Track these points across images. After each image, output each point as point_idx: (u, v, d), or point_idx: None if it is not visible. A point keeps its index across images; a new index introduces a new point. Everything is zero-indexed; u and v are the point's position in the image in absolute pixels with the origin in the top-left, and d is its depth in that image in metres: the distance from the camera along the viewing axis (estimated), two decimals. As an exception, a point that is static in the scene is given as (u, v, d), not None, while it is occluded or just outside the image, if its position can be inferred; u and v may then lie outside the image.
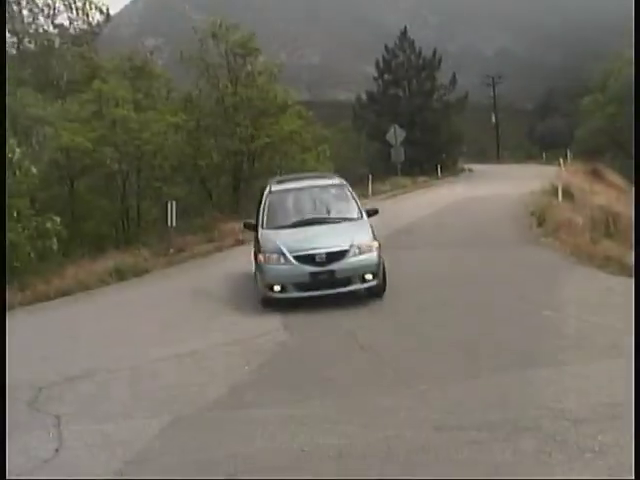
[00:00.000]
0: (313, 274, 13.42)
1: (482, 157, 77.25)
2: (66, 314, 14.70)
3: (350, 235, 13.91)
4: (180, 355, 10.56)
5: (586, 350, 9.91)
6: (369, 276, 13.64)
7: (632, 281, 14.40)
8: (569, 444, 6.91)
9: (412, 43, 64.30)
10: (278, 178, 18.23)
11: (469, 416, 7.79)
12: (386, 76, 64.19)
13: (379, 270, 13.77)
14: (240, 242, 22.44)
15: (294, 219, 14.64)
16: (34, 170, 20.39)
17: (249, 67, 37.78)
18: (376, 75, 64.95)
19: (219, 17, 36.99)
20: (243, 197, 36.45)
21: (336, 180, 16.30)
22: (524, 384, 8.62)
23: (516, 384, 8.63)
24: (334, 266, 13.44)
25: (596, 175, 44.33)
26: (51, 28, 41.83)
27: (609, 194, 35.92)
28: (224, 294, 15.05)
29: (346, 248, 13.57)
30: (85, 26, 42.27)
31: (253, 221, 15.10)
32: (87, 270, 18.43)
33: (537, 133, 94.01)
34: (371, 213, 15.14)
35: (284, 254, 13.50)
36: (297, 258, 13.46)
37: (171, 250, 21.31)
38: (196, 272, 18.77)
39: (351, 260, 13.55)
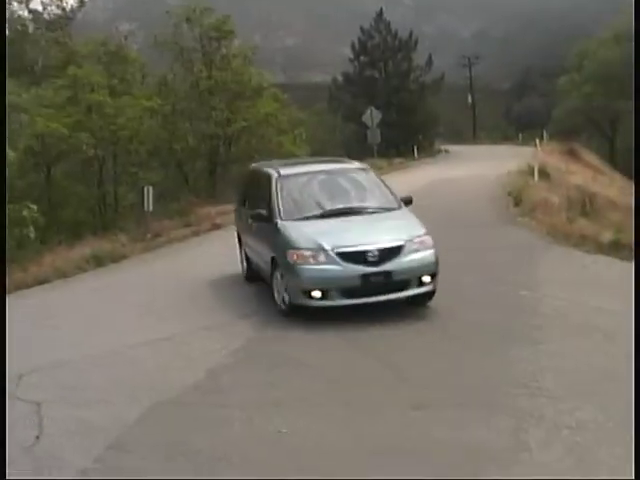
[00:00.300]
0: (365, 276, 10.92)
1: (459, 138, 77.34)
2: (43, 302, 14.62)
3: (399, 228, 11.69)
4: (158, 340, 10.51)
5: (562, 328, 10.03)
6: (427, 278, 11.28)
7: (609, 259, 14.62)
8: (546, 421, 7.02)
9: (388, 24, 64.29)
10: (278, 161, 16.02)
11: (447, 395, 7.86)
12: (362, 58, 64.20)
13: (437, 271, 11.49)
14: (217, 226, 22.43)
15: (323, 208, 12.16)
16: (12, 155, 20.30)
17: (224, 50, 37.73)
18: (352, 57, 64.92)
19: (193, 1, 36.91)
20: (220, 181, 36.47)
21: (357, 164, 14.18)
22: (501, 363, 8.71)
23: (494, 363, 8.72)
24: (389, 266, 11.00)
25: (572, 155, 44.60)
26: (25, 13, 41.68)
27: (585, 174, 36.23)
28: (201, 278, 14.81)
29: (401, 243, 11.18)
30: (59, 11, 42.12)
31: (264, 211, 12.33)
32: (64, 257, 18.34)
33: (514, 113, 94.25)
34: (406, 202, 12.74)
35: (325, 251, 11.01)
36: (342, 256, 10.96)
37: (148, 235, 21.24)
38: (173, 257, 18.71)
39: (409, 258, 11.14)
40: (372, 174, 13.51)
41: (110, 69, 35.50)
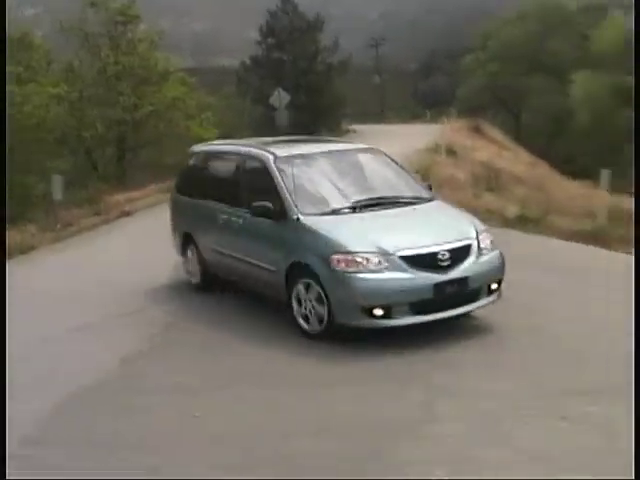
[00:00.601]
0: (438, 286, 8.68)
1: (367, 118, 77.74)
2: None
3: (455, 222, 9.72)
4: (72, 329, 10.39)
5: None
6: (494, 285, 9.34)
7: (515, 233, 15.04)
8: (454, 392, 7.26)
9: (295, 6, 64.17)
10: (251, 140, 12.98)
11: (354, 367, 8.06)
12: (269, 40, 64.00)
13: (503, 276, 9.55)
14: (126, 213, 22.29)
15: (351, 199, 9.83)
16: None
17: (130, 35, 37.40)
18: (260, 39, 64.71)
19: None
20: (129, 167, 36.20)
21: (361, 144, 12.22)
22: (412, 337, 8.84)
23: (405, 337, 8.85)
24: (463, 271, 8.90)
25: (478, 132, 45.45)
26: None
27: (490, 150, 36.94)
28: (114, 266, 14.64)
29: (469, 242, 9.18)
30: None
31: (270, 204, 9.70)
32: (-28, 249, 18.02)
33: (421, 93, 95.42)
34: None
35: (388, 254, 8.65)
36: (409, 260, 8.66)
37: (58, 225, 20.97)
38: (84, 246, 18.47)
39: (481, 260, 9.14)
40: (384, 156, 11.49)
41: (15, 56, 34.87)
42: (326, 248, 8.84)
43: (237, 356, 8.88)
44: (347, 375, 7.95)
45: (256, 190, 10.35)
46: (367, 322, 8.62)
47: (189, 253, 12.23)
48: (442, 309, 8.78)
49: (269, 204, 9.67)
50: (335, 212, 9.53)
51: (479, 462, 5.89)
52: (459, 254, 8.92)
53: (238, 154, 11.29)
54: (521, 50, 63.51)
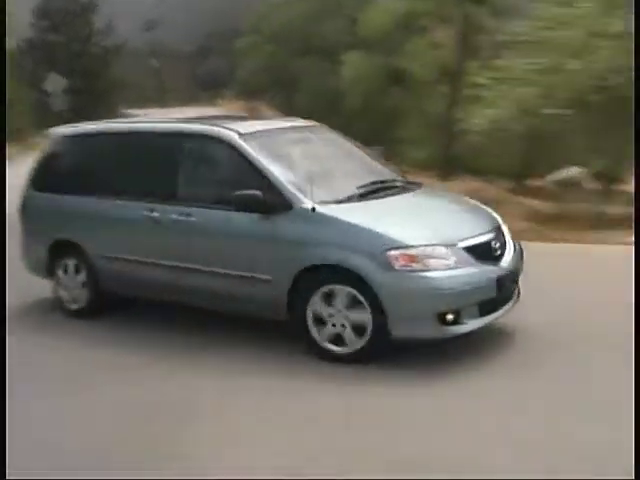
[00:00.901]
0: (500, 281, 7.42)
1: (146, 101, 77.28)
2: None
3: (475, 209, 8.57)
4: None
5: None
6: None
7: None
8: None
9: (68, -13, 63.04)
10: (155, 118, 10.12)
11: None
12: (43, 22, 62.53)
13: None
14: None
15: (354, 183, 8.09)
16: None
17: None
18: (33, 21, 63.10)
19: None
20: None
21: (309, 121, 9.78)
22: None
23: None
24: (510, 263, 7.69)
25: (254, 113, 46.28)
26: None
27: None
28: None
29: (503, 231, 8.14)
30: None
31: (257, 192, 7.51)
32: None
33: (199, 75, 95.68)
34: None
35: (452, 246, 7.19)
36: (471, 252, 7.30)
37: None
38: None
39: (516, 252, 7.97)
40: (339, 135, 9.66)
41: None
42: (375, 243, 7.08)
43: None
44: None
45: (215, 178, 8.45)
46: (438, 331, 7.12)
47: (60, 271, 9.60)
48: (497, 308, 7.55)
49: (258, 193, 7.53)
50: (347, 199, 7.75)
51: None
52: (503, 244, 7.81)
53: (164, 134, 8.85)
54: (295, 32, 64.77)
